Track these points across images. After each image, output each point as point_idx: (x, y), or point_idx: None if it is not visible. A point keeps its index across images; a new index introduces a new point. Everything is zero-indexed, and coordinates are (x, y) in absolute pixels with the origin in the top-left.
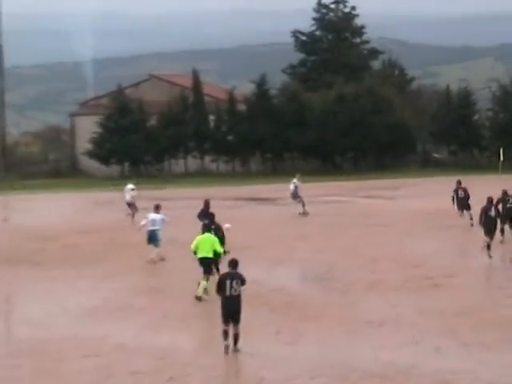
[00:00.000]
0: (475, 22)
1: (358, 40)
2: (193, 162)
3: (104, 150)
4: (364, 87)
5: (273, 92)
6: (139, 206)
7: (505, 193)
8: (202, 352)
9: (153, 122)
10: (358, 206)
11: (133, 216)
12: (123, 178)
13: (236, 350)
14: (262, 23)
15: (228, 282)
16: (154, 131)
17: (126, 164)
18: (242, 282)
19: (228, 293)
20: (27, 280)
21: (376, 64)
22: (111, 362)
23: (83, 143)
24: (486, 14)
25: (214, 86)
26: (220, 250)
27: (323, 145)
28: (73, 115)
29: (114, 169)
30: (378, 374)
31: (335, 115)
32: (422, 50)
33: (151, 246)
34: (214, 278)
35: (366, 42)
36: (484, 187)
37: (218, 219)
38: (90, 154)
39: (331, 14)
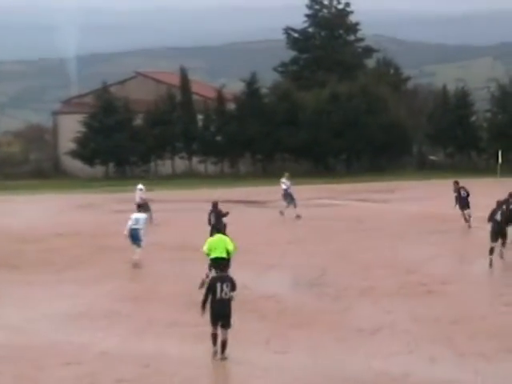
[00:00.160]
0: (474, 20)
1: (352, 37)
2: (180, 163)
3: (88, 150)
4: (358, 86)
5: (263, 91)
6: (126, 208)
7: (511, 195)
8: (189, 359)
9: (139, 121)
10: (351, 209)
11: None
12: (107, 179)
13: (223, 358)
14: (253, 19)
15: (219, 285)
16: (139, 131)
17: (111, 165)
18: (233, 286)
19: (219, 296)
20: (6, 284)
21: (371, 62)
22: (94, 370)
23: (66, 143)
24: (486, 12)
25: (203, 85)
26: (232, 248)
27: (315, 146)
28: (55, 114)
29: (99, 169)
30: (370, 383)
31: (328, 115)
32: (418, 48)
33: (134, 247)
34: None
35: (361, 39)
36: (482, 191)
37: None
38: (74, 154)
39: (324, 11)
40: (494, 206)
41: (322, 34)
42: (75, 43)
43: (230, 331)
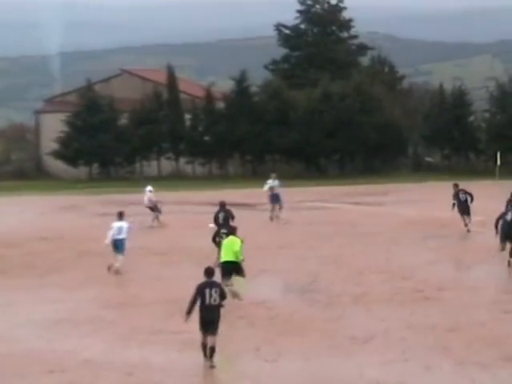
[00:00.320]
0: (472, 17)
1: (345, 34)
2: (167, 164)
3: (71, 150)
4: (351, 85)
5: (253, 89)
6: (111, 211)
7: None
8: (174, 368)
9: (124, 120)
10: (344, 212)
11: (157, 218)
12: (91, 181)
13: (212, 366)
14: (243, 16)
15: (207, 291)
16: (125, 130)
17: (95, 165)
18: (222, 292)
19: (207, 302)
20: None
21: (364, 60)
22: (78, 379)
23: (49, 143)
24: (484, 8)
25: (191, 83)
26: (237, 250)
27: (307, 146)
28: (38, 112)
29: (82, 170)
30: None
31: (320, 115)
32: (413, 45)
33: (116, 254)
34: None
35: (354, 36)
36: (480, 194)
37: (193, 225)
38: (56, 155)
39: (317, 6)
40: (492, 209)
41: (315, 30)
42: (59, 40)
43: (218, 338)
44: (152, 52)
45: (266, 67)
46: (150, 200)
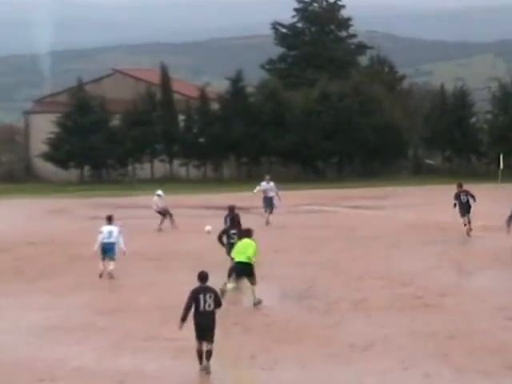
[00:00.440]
0: (473, 15)
1: (343, 33)
2: (160, 167)
3: (61, 152)
4: (350, 85)
5: (249, 90)
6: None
7: None
8: (167, 376)
9: (116, 121)
10: (343, 216)
11: (172, 222)
12: (82, 184)
13: (208, 372)
14: (239, 14)
15: (201, 297)
16: (117, 132)
17: (86, 168)
18: (216, 296)
19: (202, 308)
20: None
21: (363, 60)
22: None
23: (38, 144)
24: (486, 7)
25: (185, 83)
26: (251, 254)
27: (304, 148)
28: (27, 113)
29: (73, 173)
30: None
31: (318, 116)
32: (414, 45)
33: (106, 261)
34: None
35: (353, 35)
36: (482, 197)
37: (187, 229)
38: (46, 157)
39: (315, 5)
40: (494, 213)
41: (312, 29)
42: (49, 38)
43: (213, 345)
44: (145, 51)
45: (262, 67)
46: (157, 205)
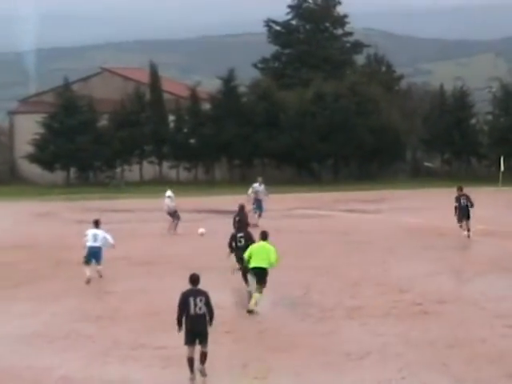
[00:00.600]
0: (474, 13)
1: (339, 31)
2: (149, 169)
3: (47, 154)
4: (346, 85)
5: (242, 89)
6: (89, 218)
7: None
8: None
9: (104, 122)
10: (338, 220)
11: (174, 228)
12: (69, 186)
13: (204, 374)
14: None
15: (191, 300)
16: (104, 133)
17: (73, 170)
18: (207, 300)
19: (192, 311)
20: None
21: (360, 59)
22: None
23: (23, 145)
24: (487, 4)
25: (175, 82)
26: (274, 259)
27: (299, 150)
28: (12, 113)
29: (59, 175)
30: None
31: (313, 117)
32: (412, 43)
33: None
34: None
35: (349, 33)
36: (482, 201)
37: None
38: (31, 158)
39: (309, 1)
40: (495, 217)
41: (307, 27)
42: (35, 36)
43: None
44: (134, 49)
45: (254, 66)
46: (168, 206)
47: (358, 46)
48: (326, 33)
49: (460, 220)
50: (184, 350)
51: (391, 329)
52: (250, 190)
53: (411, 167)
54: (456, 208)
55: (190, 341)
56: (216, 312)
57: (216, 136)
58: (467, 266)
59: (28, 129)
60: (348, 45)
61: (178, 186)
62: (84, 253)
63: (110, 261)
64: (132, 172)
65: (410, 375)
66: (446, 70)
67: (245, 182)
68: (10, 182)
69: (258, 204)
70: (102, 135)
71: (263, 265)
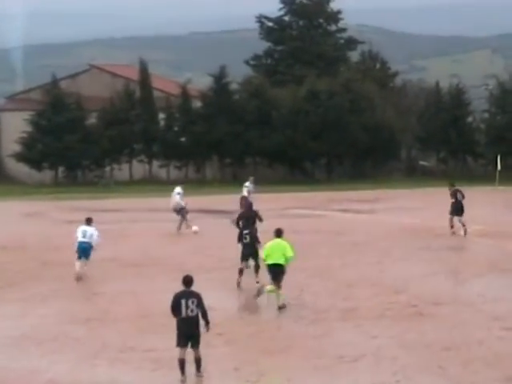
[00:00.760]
0: (471, 8)
1: (333, 27)
2: (139, 168)
3: (35, 152)
4: (340, 82)
5: (233, 87)
6: (77, 218)
7: None
8: None
9: (92, 120)
10: (332, 220)
11: (179, 226)
12: (57, 185)
13: (200, 376)
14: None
15: (183, 302)
16: (93, 131)
17: (61, 169)
18: (200, 302)
19: (184, 314)
20: None
21: (354, 56)
22: None
23: (10, 144)
24: (483, 0)
25: (165, 79)
26: (291, 255)
27: (291, 149)
28: None
29: (47, 174)
30: None
31: (306, 115)
32: (407, 39)
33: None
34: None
35: (343, 29)
36: (478, 200)
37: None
38: (19, 157)
39: None
40: (492, 217)
41: (300, 23)
42: (22, 32)
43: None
44: (123, 45)
45: (246, 62)
46: (178, 203)
47: (352, 43)
48: (319, 29)
49: (455, 214)
50: (174, 353)
51: (386, 331)
52: (246, 190)
53: (406, 166)
54: (453, 203)
55: (182, 343)
56: (208, 314)
57: (207, 134)
58: (463, 266)
59: (15, 127)
60: (342, 41)
61: (168, 185)
62: (74, 248)
63: (100, 262)
64: (121, 171)
65: (405, 378)
66: (441, 66)
67: (236, 181)
68: None
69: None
70: (91, 133)
71: (280, 261)
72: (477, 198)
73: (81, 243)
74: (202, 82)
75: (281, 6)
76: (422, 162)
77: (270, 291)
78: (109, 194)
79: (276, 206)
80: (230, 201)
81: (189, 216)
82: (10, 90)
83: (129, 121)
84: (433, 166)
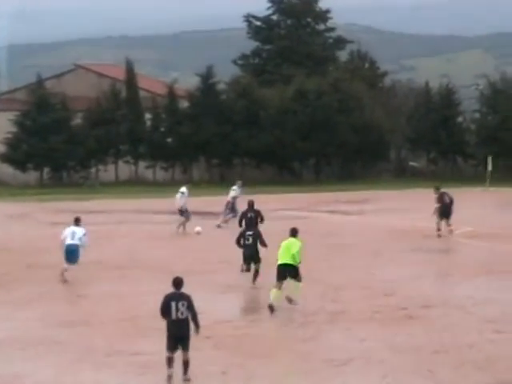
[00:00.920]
0: (461, 7)
1: (321, 26)
2: (125, 169)
3: (19, 153)
4: (328, 82)
5: (221, 86)
6: (63, 219)
7: None
8: None
9: (78, 120)
10: (320, 222)
11: (183, 225)
12: (42, 186)
13: (186, 380)
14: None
15: (173, 304)
16: (79, 131)
17: (46, 170)
18: (190, 305)
19: (174, 316)
20: None
21: (343, 55)
22: None
23: None
24: None
25: (151, 79)
26: (296, 252)
27: (279, 149)
28: None
29: (32, 175)
30: None
31: (294, 115)
32: (396, 39)
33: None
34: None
35: (331, 28)
36: (469, 201)
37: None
38: (3, 158)
39: None
40: (482, 219)
41: (288, 22)
42: (6, 32)
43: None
44: (109, 45)
45: (234, 62)
46: (184, 204)
47: (340, 42)
48: (307, 28)
49: (444, 217)
50: (161, 356)
51: (375, 334)
52: (233, 193)
53: (395, 167)
54: (438, 208)
55: (172, 346)
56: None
57: (194, 135)
58: (454, 268)
59: (0, 127)
60: (330, 40)
61: (155, 186)
62: (62, 251)
63: (85, 264)
64: (107, 172)
65: (394, 382)
66: (431, 66)
67: (224, 182)
68: None
69: (234, 208)
70: (76, 134)
71: (288, 261)
72: (467, 199)
73: (69, 246)
74: (188, 82)
75: (269, 5)
76: (411, 163)
77: (275, 297)
78: (94, 196)
79: (264, 207)
80: (217, 202)
81: (177, 217)
82: None
83: (115, 121)
84: (422, 166)
